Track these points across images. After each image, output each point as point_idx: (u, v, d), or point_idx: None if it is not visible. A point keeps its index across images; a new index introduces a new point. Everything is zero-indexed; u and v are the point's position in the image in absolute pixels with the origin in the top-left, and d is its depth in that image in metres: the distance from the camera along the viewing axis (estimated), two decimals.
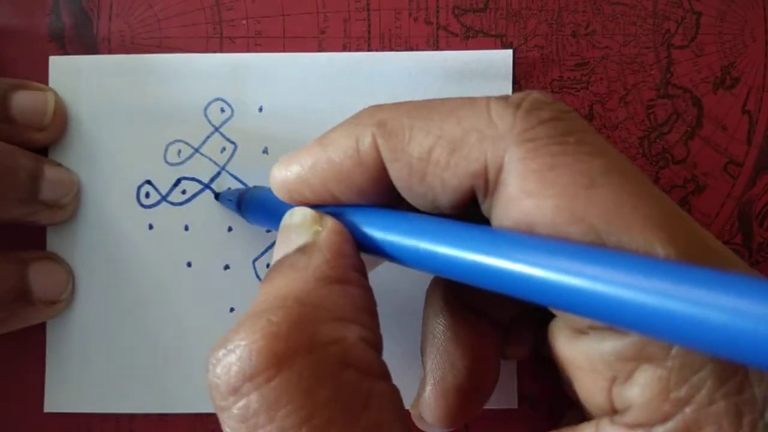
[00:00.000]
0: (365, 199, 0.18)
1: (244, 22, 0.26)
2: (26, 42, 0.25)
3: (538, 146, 0.14)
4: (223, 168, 0.25)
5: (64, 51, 0.25)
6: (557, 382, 0.19)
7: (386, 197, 0.17)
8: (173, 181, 0.25)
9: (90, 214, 0.25)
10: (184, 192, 0.25)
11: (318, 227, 0.17)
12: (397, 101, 0.18)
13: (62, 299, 0.24)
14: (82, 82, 0.25)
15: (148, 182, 0.25)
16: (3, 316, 0.23)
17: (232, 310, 0.25)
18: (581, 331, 0.16)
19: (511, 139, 0.15)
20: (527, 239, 0.14)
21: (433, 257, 0.15)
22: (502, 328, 0.21)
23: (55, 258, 0.25)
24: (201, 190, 0.25)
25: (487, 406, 0.25)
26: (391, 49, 0.26)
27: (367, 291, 0.17)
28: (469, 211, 0.17)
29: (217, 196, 0.25)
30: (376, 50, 0.26)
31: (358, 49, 0.26)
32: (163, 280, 0.25)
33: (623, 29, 0.26)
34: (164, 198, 0.25)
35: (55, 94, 0.25)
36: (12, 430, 0.25)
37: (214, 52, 0.26)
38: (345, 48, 0.26)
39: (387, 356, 0.16)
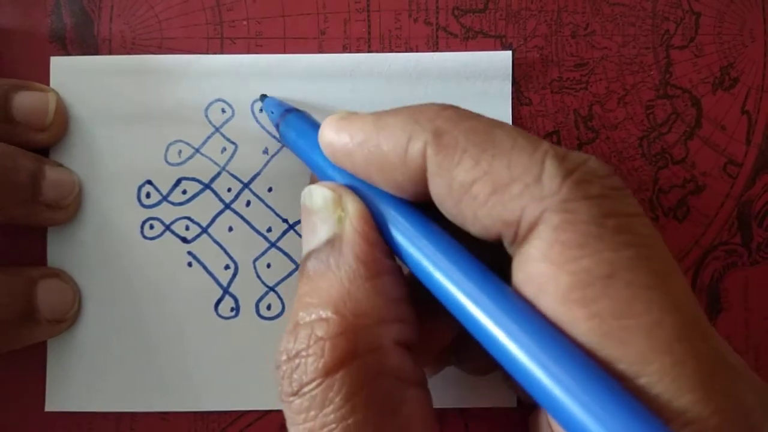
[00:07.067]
0: (401, 193, 0.17)
1: (244, 23, 0.26)
2: (27, 42, 0.26)
3: (576, 221, 0.14)
4: (223, 168, 0.25)
5: (65, 51, 0.26)
6: None
7: (422, 198, 0.17)
8: (174, 181, 0.25)
9: (91, 214, 0.25)
10: (184, 192, 0.25)
11: (341, 212, 0.17)
12: (400, 104, 0.18)
13: (67, 318, 0.24)
14: (83, 82, 0.25)
15: (149, 182, 0.25)
16: (8, 336, 0.23)
17: (232, 309, 0.25)
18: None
19: (551, 204, 0.14)
20: (526, 318, 0.14)
21: (430, 280, 0.16)
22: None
23: (62, 276, 0.25)
24: (201, 190, 0.25)
25: (485, 405, 0.25)
26: (391, 50, 0.26)
27: (398, 273, 0.18)
28: (493, 243, 0.16)
29: (263, 98, 0.25)
30: (376, 51, 0.26)
31: (358, 50, 0.26)
32: (164, 279, 0.25)
33: (622, 30, 0.26)
34: (165, 198, 0.25)
35: (57, 94, 0.25)
36: (13, 430, 0.25)
37: (215, 53, 0.26)
38: (345, 49, 0.26)
39: None
